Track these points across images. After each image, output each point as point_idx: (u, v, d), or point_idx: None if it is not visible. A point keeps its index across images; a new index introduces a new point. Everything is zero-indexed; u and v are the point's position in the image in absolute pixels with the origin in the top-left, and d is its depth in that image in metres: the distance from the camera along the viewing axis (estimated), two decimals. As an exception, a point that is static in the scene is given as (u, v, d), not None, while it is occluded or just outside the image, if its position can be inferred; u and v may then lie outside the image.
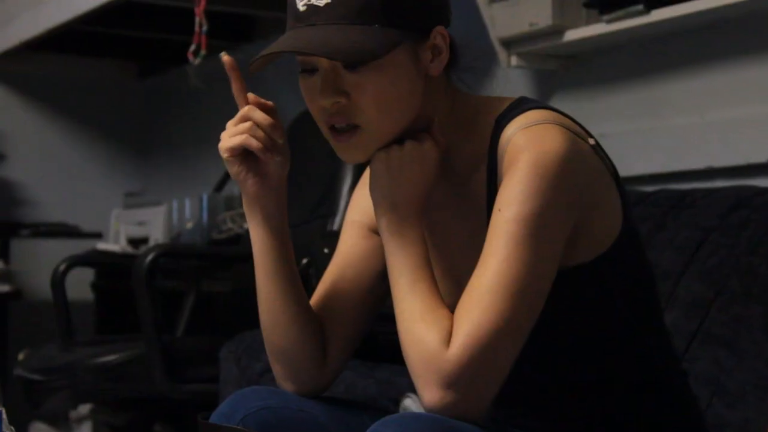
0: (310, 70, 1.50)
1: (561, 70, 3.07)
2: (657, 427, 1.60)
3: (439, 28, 1.51)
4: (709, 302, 2.16)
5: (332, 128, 1.51)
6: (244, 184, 1.57)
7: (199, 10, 3.32)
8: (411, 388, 2.33)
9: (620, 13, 2.68)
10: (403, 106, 1.50)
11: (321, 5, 1.46)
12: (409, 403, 2.29)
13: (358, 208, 1.68)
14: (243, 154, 1.56)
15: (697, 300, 2.18)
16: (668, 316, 2.14)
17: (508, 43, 2.99)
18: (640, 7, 2.63)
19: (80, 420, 4.00)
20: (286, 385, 1.64)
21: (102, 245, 4.52)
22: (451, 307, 1.45)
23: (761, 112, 2.58)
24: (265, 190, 1.58)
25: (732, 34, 2.67)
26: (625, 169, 1.60)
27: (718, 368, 2.08)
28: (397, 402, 2.30)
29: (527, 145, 1.45)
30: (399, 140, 1.52)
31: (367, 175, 1.66)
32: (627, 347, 1.59)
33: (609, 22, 2.72)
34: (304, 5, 1.47)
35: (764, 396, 2.01)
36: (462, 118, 1.56)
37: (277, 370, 1.64)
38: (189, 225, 4.22)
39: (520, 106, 1.52)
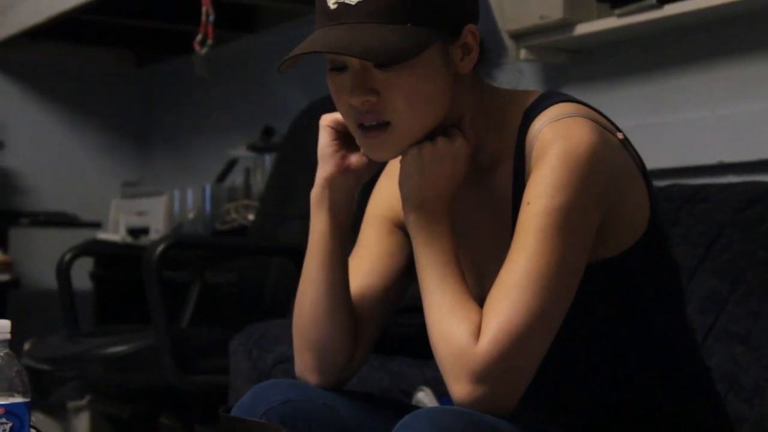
0: (340, 68, 1.49)
1: (571, 64, 3.07)
2: (681, 422, 1.59)
3: (470, 27, 1.50)
4: (725, 297, 2.16)
5: (361, 125, 1.50)
6: (327, 162, 1.57)
7: (206, 0, 3.31)
8: (423, 381, 2.33)
9: (632, 7, 2.68)
10: (433, 105, 1.49)
11: (353, 3, 1.44)
12: (422, 396, 2.29)
13: (382, 201, 1.67)
14: (345, 132, 1.55)
15: (712, 295, 2.18)
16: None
17: (518, 36, 2.98)
18: (653, 1, 2.62)
19: (78, 410, 3.99)
20: (311, 376, 1.63)
21: (102, 235, 4.52)
22: (476, 300, 1.45)
23: (773, 107, 2.58)
24: (343, 177, 1.57)
25: (744, 29, 2.66)
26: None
27: (734, 364, 2.08)
28: (409, 395, 2.31)
29: (556, 138, 1.44)
30: (430, 137, 1.51)
31: (391, 168, 1.65)
32: (652, 342, 1.59)
33: (621, 16, 2.72)
34: (335, 3, 1.45)
35: (780, 392, 2.01)
36: (490, 112, 1.55)
37: (305, 360, 1.63)
38: (191, 215, 4.22)
39: (548, 99, 1.52)
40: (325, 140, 1.58)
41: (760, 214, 2.20)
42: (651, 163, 1.63)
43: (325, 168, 1.58)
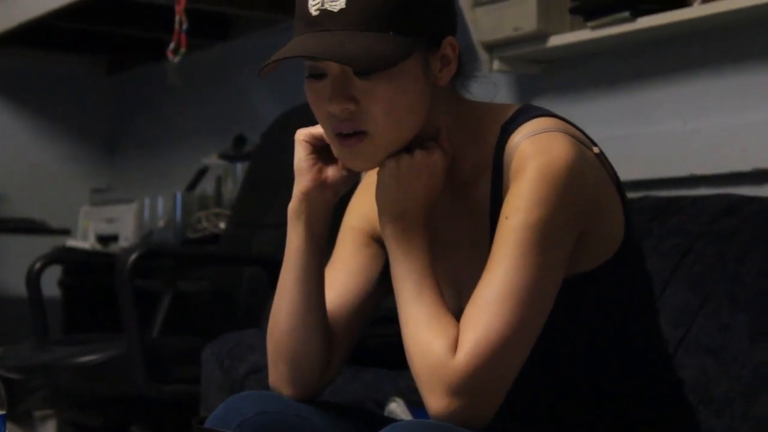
0: (319, 75, 1.49)
1: (544, 75, 3.08)
2: (655, 435, 1.60)
3: (450, 39, 1.50)
4: (696, 310, 2.17)
5: (338, 134, 1.50)
6: (304, 175, 1.57)
7: (179, 9, 3.31)
8: (397, 392, 2.34)
9: (606, 19, 2.69)
10: (411, 115, 1.49)
11: (335, 11, 1.44)
12: (395, 407, 2.29)
13: (358, 214, 1.67)
14: (321, 146, 1.55)
15: (684, 307, 2.19)
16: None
17: (491, 47, 3.00)
18: (626, 14, 2.64)
19: (45, 419, 3.97)
20: (285, 388, 1.62)
21: (71, 242, 4.49)
22: (452, 313, 1.45)
23: (745, 121, 2.60)
24: (320, 191, 1.57)
25: (716, 42, 2.68)
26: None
27: (705, 376, 2.10)
28: (383, 405, 2.31)
29: (534, 153, 1.45)
30: (406, 149, 1.51)
31: (368, 181, 1.65)
32: (626, 355, 1.60)
33: (594, 28, 2.73)
34: (317, 10, 1.45)
35: (750, 404, 2.02)
36: (467, 125, 1.56)
37: (279, 371, 1.62)
38: (161, 223, 4.20)
39: (526, 114, 1.52)
40: (301, 154, 1.58)
41: (732, 227, 2.21)
42: (624, 174, 1.64)
43: (301, 182, 1.58)
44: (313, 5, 1.46)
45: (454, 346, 1.40)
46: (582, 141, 1.51)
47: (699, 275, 2.21)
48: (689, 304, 2.19)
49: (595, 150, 1.53)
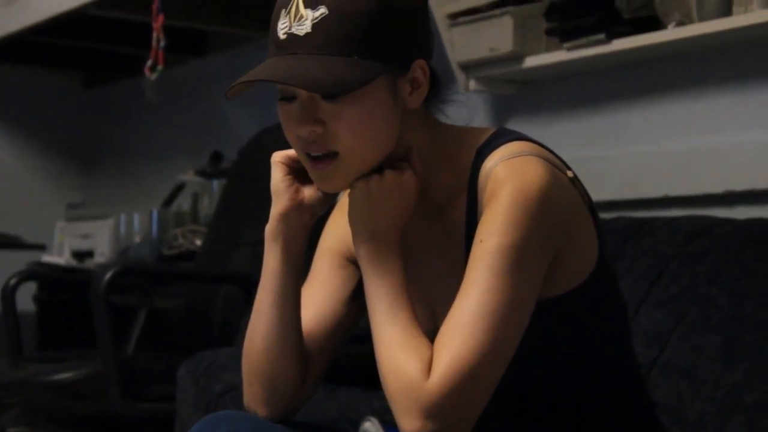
0: (290, 98, 1.50)
1: (520, 95, 3.10)
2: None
3: (420, 62, 1.51)
4: (669, 331, 2.18)
5: (309, 155, 1.51)
6: (281, 197, 1.58)
7: (156, 26, 3.31)
8: (371, 411, 2.34)
9: (581, 41, 2.71)
10: (380, 137, 1.50)
11: (301, 35, 1.46)
12: (368, 426, 2.29)
13: (334, 235, 1.68)
14: (298, 167, 1.57)
15: (657, 329, 2.20)
16: (629, 343, 2.16)
17: (468, 67, 3.01)
18: (602, 36, 2.66)
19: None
20: (259, 408, 1.63)
21: (47, 257, 4.48)
22: (426, 335, 1.46)
23: (718, 143, 2.62)
24: (298, 212, 1.58)
25: (690, 65, 2.71)
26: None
27: (677, 398, 2.11)
28: (356, 425, 2.31)
29: (509, 177, 1.46)
30: (378, 169, 1.53)
31: (344, 202, 1.66)
32: (599, 377, 1.61)
33: (570, 49, 2.76)
34: (284, 34, 1.47)
35: (723, 426, 2.03)
36: (442, 148, 1.57)
37: (254, 392, 1.63)
38: (137, 239, 4.20)
39: (501, 137, 1.54)
40: (278, 176, 1.59)
41: (704, 249, 2.23)
42: (597, 195, 1.66)
43: (279, 203, 1.59)
44: (281, 29, 1.47)
45: (428, 368, 1.41)
46: (556, 165, 1.53)
47: (672, 296, 2.22)
48: (663, 325, 2.20)
49: (569, 174, 1.54)
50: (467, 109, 1.64)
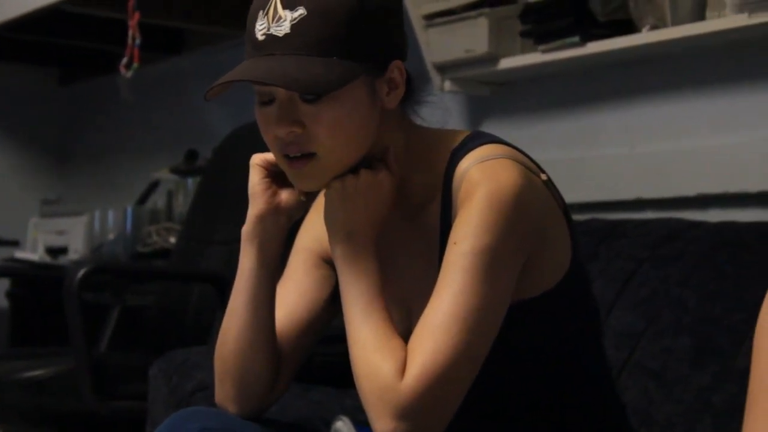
0: (267, 102, 1.51)
1: (494, 97, 3.11)
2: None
3: (397, 63, 1.52)
4: (640, 333, 2.20)
5: (287, 156, 1.52)
6: (258, 199, 1.59)
7: (132, 23, 3.30)
8: (343, 410, 2.34)
9: (556, 43, 2.73)
10: (358, 138, 1.51)
11: (280, 36, 1.46)
12: (341, 426, 2.29)
13: (310, 235, 1.69)
14: (276, 170, 1.58)
15: (628, 330, 2.22)
16: (600, 344, 2.18)
17: (443, 68, 3.03)
18: (576, 38, 2.68)
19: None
20: (230, 406, 1.64)
21: (20, 254, 4.47)
22: (401, 336, 1.47)
23: (691, 146, 2.64)
24: (275, 214, 1.59)
25: (664, 69, 2.73)
26: (555, 197, 1.64)
27: (647, 399, 2.12)
28: (328, 424, 2.31)
29: (483, 180, 1.47)
30: (354, 169, 1.53)
31: (321, 202, 1.67)
32: (571, 378, 1.62)
33: (544, 52, 2.77)
34: (263, 35, 1.47)
35: (691, 428, 2.05)
36: (417, 150, 1.58)
37: (226, 390, 1.64)
38: (111, 236, 4.19)
39: (475, 140, 1.54)
40: (255, 178, 1.60)
41: (676, 252, 2.25)
42: (571, 197, 1.67)
43: (256, 205, 1.59)
44: (260, 30, 1.48)
45: (402, 370, 1.42)
46: (530, 168, 1.53)
47: (644, 299, 2.23)
48: (634, 327, 2.22)
49: (543, 177, 1.55)
50: (441, 110, 1.64)
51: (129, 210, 4.14)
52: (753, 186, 2.47)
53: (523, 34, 2.84)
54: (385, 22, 1.52)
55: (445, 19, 2.96)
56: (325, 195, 1.56)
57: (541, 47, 2.77)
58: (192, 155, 4.09)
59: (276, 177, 1.59)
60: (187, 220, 3.50)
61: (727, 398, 2.01)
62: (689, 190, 2.60)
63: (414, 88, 1.59)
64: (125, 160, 4.95)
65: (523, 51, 2.86)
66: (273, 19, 1.47)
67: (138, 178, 4.56)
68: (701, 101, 2.65)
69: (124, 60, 3.35)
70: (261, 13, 1.49)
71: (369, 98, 1.50)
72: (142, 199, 4.32)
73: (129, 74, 3.35)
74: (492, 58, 2.89)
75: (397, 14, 1.55)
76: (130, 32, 3.32)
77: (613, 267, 2.32)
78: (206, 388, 2.37)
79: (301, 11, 1.46)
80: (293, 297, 1.67)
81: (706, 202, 2.58)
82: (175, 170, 4.12)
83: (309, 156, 1.50)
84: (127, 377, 2.83)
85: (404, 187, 1.58)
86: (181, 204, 4.02)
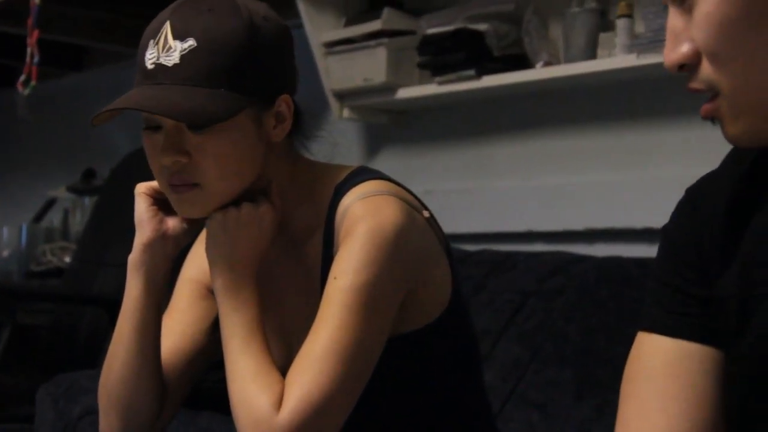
0: (155, 128, 1.51)
1: (392, 125, 3.15)
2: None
3: (284, 97, 1.54)
4: (525, 365, 2.24)
5: (171, 184, 1.53)
6: (145, 227, 1.59)
7: (31, 41, 3.27)
8: (231, 438, 2.34)
9: (452, 76, 2.77)
10: (243, 169, 1.52)
11: (169, 65, 1.47)
12: (228, 452, 2.30)
13: (196, 265, 1.70)
14: (162, 198, 1.58)
15: (514, 362, 2.26)
16: (485, 376, 2.21)
17: (342, 96, 3.05)
18: (472, 72, 2.72)
19: None
20: None
21: None
22: (281, 368, 1.48)
23: (580, 181, 2.69)
24: (162, 242, 1.59)
25: (557, 104, 2.78)
26: (448, 227, 1.67)
27: (530, 430, 2.16)
28: (216, 451, 2.31)
29: (364, 216, 1.49)
30: (236, 202, 1.55)
31: (204, 233, 1.68)
32: (451, 412, 1.64)
33: (441, 83, 2.81)
34: (152, 64, 1.48)
35: (573, 459, 2.09)
36: (302, 184, 1.59)
37: (110, 420, 1.63)
38: (5, 254, 4.14)
39: (359, 176, 1.56)
40: (141, 206, 1.60)
41: (561, 285, 2.30)
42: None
43: (143, 233, 1.60)
44: (149, 59, 1.48)
45: (279, 402, 1.42)
46: (413, 205, 1.56)
47: (529, 331, 2.28)
48: (519, 359, 2.26)
49: (425, 214, 1.58)
50: (330, 145, 1.66)
51: (24, 227, 4.10)
52: (638, 222, 2.53)
53: (421, 66, 2.88)
54: (275, 56, 1.53)
55: (344, 47, 2.98)
56: (207, 227, 1.56)
57: (438, 79, 2.81)
58: (90, 174, 4.06)
59: (162, 205, 1.60)
60: (81, 240, 3.47)
61: (608, 430, 2.05)
62: (577, 224, 2.65)
63: (303, 122, 1.60)
64: (22, 177, 4.89)
65: (421, 82, 2.90)
66: (163, 49, 1.48)
67: (34, 195, 4.51)
68: (592, 137, 2.71)
69: (22, 78, 3.32)
70: (152, 42, 1.49)
71: (255, 131, 1.52)
72: (38, 217, 4.27)
73: (26, 92, 3.31)
74: (390, 88, 2.92)
75: (287, 48, 1.57)
76: (29, 49, 3.29)
77: (501, 299, 2.36)
78: (93, 413, 2.35)
79: (191, 42, 1.47)
80: (179, 327, 1.67)
81: (594, 237, 2.63)
82: (72, 189, 4.08)
83: (193, 185, 1.51)
84: (15, 399, 2.80)
85: (287, 221, 1.59)
86: (78, 223, 3.99)
